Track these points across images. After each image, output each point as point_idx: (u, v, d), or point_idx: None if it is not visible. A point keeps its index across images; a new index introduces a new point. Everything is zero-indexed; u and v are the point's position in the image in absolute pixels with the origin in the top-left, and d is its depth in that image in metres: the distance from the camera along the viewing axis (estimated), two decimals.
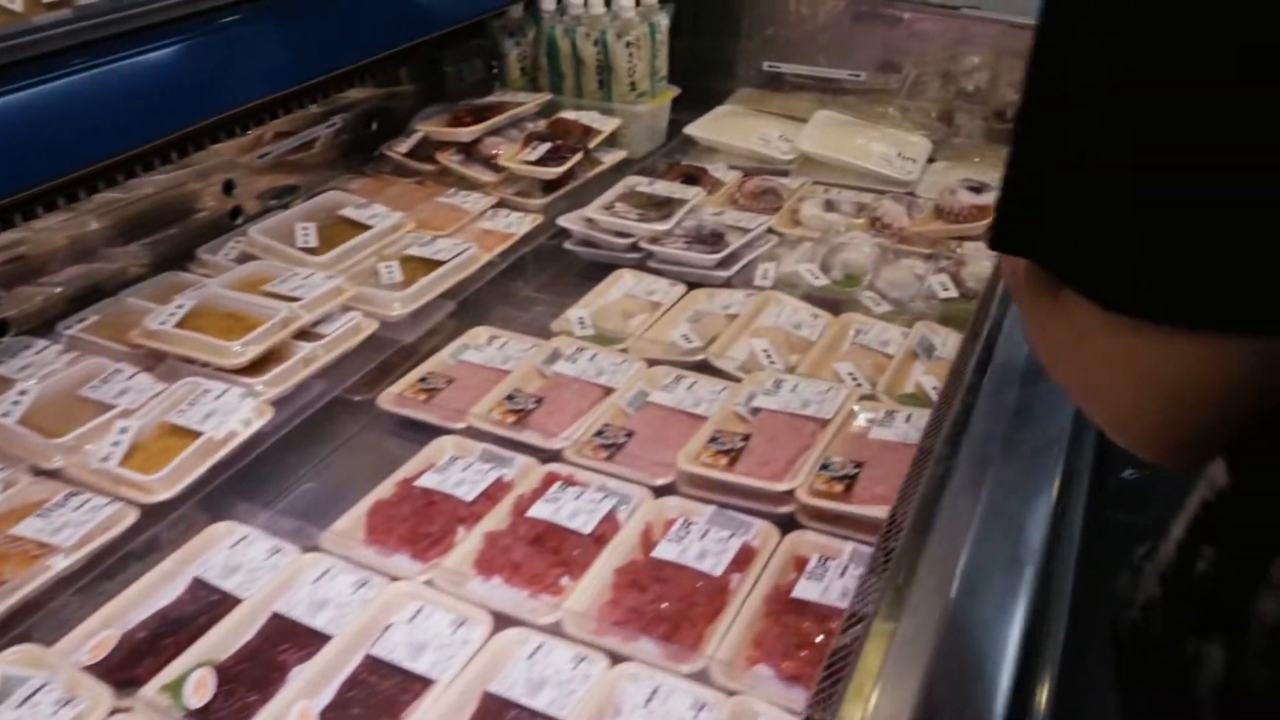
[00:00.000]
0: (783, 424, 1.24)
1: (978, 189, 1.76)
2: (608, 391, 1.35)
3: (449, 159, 1.76)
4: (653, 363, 1.40)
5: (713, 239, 1.65)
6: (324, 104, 1.89)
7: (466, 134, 1.75)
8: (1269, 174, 0.45)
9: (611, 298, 1.58)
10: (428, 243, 1.53)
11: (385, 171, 1.82)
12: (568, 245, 1.70)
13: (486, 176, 1.75)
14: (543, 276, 1.68)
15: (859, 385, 1.34)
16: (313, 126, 1.88)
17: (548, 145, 1.74)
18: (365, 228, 1.52)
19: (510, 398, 1.32)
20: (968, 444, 1.08)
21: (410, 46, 1.85)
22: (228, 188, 1.63)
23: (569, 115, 1.85)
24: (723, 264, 1.61)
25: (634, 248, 1.65)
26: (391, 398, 1.34)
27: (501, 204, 1.71)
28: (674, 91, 2.01)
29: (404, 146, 1.79)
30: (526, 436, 1.27)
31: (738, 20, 2.14)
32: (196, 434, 1.14)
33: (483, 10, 1.92)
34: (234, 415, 1.15)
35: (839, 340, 1.46)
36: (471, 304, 1.54)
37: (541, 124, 1.86)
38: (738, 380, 1.35)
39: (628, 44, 1.87)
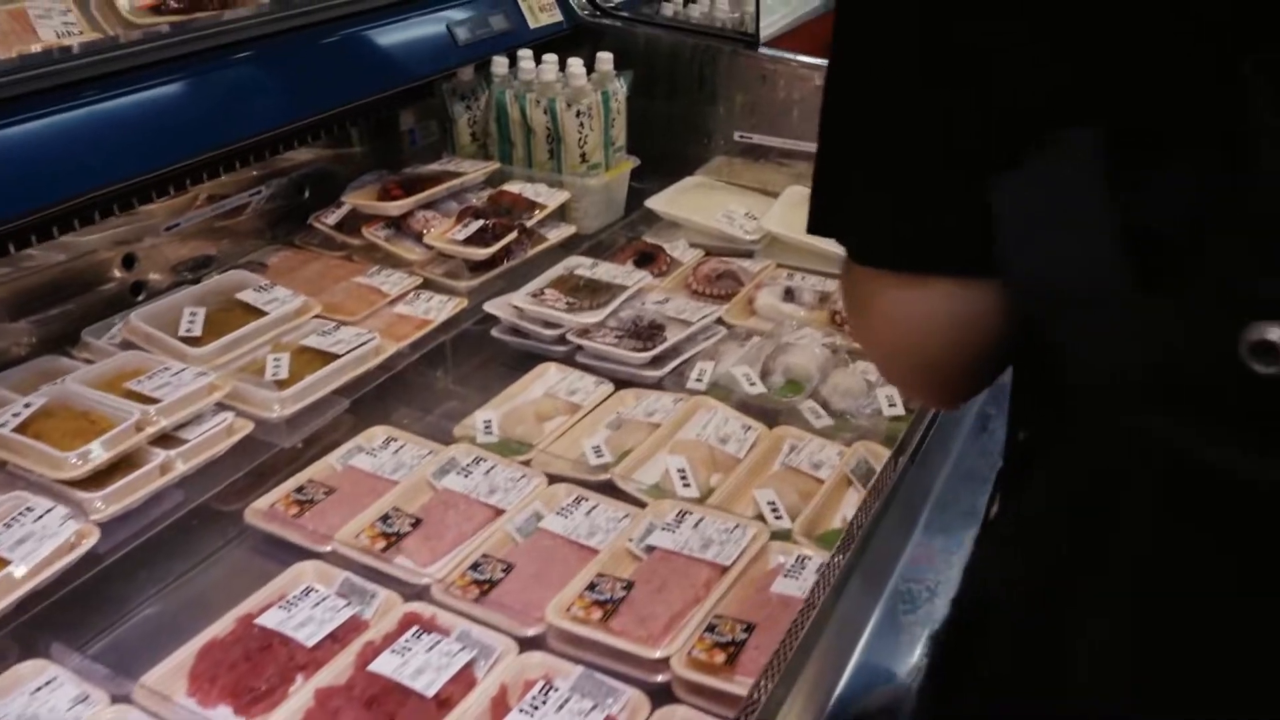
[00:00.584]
0: (677, 569, 1.09)
1: None
2: (497, 513, 1.21)
3: (374, 234, 1.64)
4: (554, 479, 1.26)
5: (649, 333, 1.51)
6: (263, 166, 1.79)
7: (394, 208, 1.63)
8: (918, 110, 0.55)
9: (530, 396, 1.45)
10: (329, 331, 1.41)
11: (314, 244, 1.70)
12: (495, 333, 1.57)
13: (414, 254, 1.62)
14: (464, 367, 1.55)
15: (778, 517, 1.19)
16: (247, 190, 1.78)
17: (481, 222, 1.61)
18: (260, 314, 1.40)
19: (385, 518, 1.18)
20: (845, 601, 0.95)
21: (358, 106, 1.74)
22: (128, 262, 1.52)
23: (512, 188, 1.73)
24: (654, 362, 1.47)
25: (563, 339, 1.52)
26: (260, 511, 1.21)
27: (427, 285, 1.59)
28: (632, 163, 1.88)
29: (332, 218, 1.68)
30: (394, 567, 1.13)
31: (712, 85, 2.01)
32: (4, 562, 1.01)
33: (432, 72, 1.81)
34: (49, 541, 1.03)
35: (768, 459, 1.31)
36: (375, 400, 1.41)
37: (483, 196, 1.73)
38: (642, 506, 1.21)
39: (578, 113, 1.74)
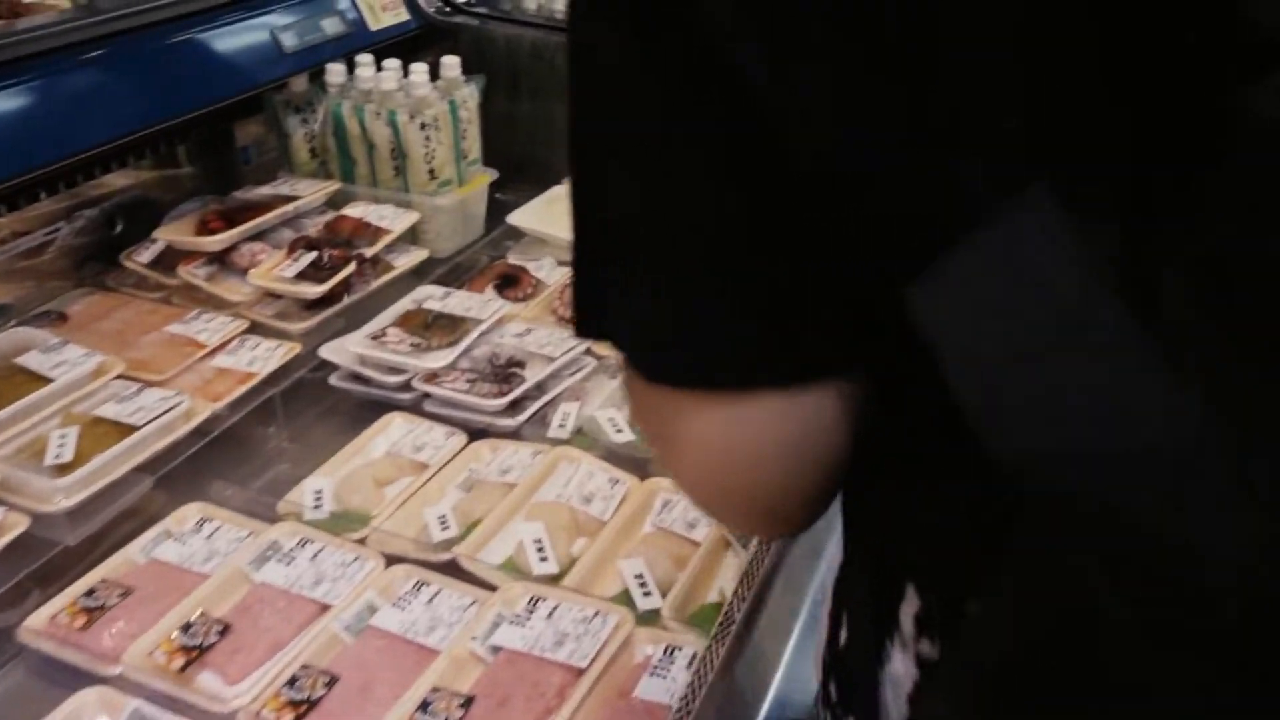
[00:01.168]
0: (525, 675, 0.94)
1: None
2: (323, 609, 1.04)
3: (192, 273, 1.45)
4: (392, 560, 1.09)
5: (505, 373, 1.35)
6: (70, 195, 1.58)
7: (213, 243, 1.44)
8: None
9: (370, 456, 1.28)
10: (130, 396, 1.22)
11: (128, 285, 1.50)
12: (334, 381, 1.39)
13: (240, 294, 1.44)
14: (297, 424, 1.37)
15: (646, 594, 1.05)
16: (50, 225, 1.57)
17: (314, 254, 1.43)
18: (44, 380, 1.20)
19: (188, 627, 1.01)
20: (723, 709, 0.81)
21: (177, 124, 1.54)
22: None
23: (354, 211, 1.55)
24: (512, 408, 1.31)
25: (408, 386, 1.35)
26: (37, 627, 1.02)
27: (255, 329, 1.40)
28: (489, 176, 1.71)
29: (146, 255, 1.48)
30: (194, 691, 0.96)
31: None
32: None
33: (258, 83, 1.61)
34: None
35: (637, 518, 1.17)
36: (188, 473, 1.23)
37: (320, 223, 1.55)
38: (492, 589, 1.05)
39: (423, 125, 1.57)
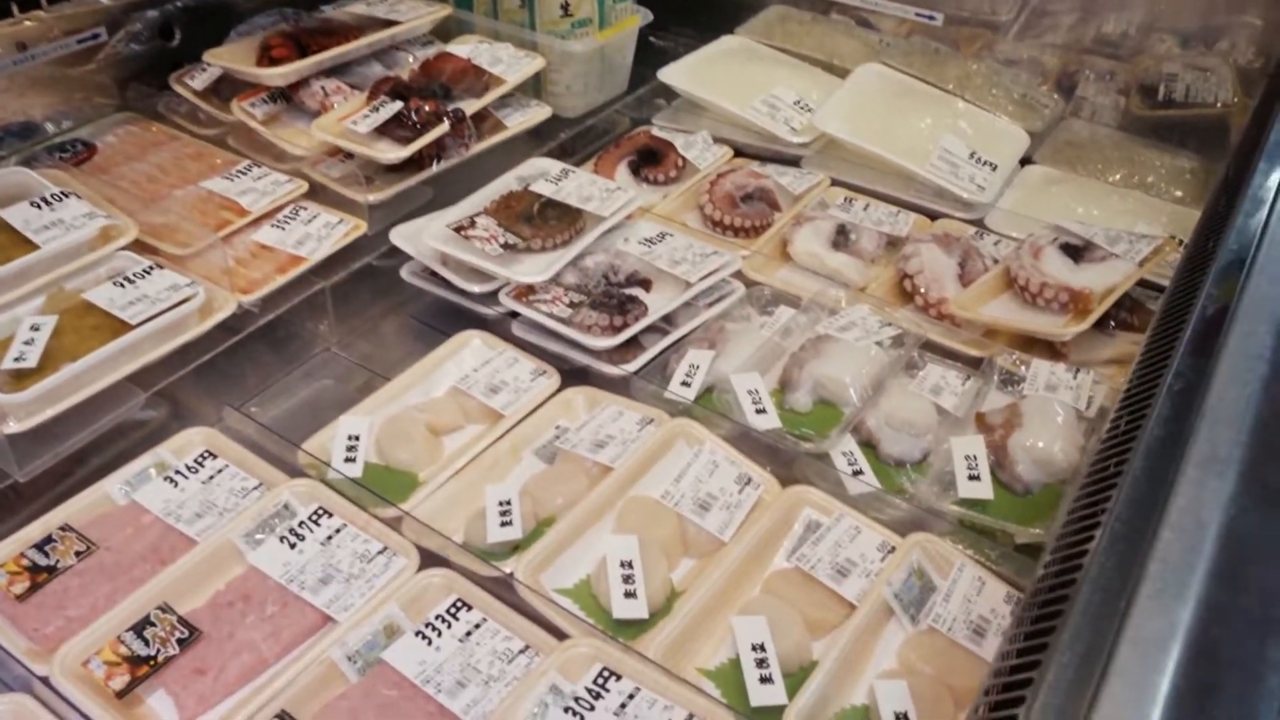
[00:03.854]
0: None
1: (1078, 250, 1.07)
2: (326, 621, 0.77)
3: (247, 110, 1.14)
4: (429, 560, 0.80)
5: (622, 298, 1.02)
6: None
7: (274, 76, 1.12)
8: None
9: (431, 390, 0.98)
10: (134, 277, 0.94)
11: (180, 113, 1.21)
12: (405, 275, 1.09)
13: (302, 145, 1.12)
14: (352, 327, 1.07)
15: (766, 678, 0.73)
16: (106, 24, 1.28)
17: (398, 104, 1.10)
18: (30, 247, 0.93)
19: (143, 627, 0.75)
20: None
21: None
22: None
23: (459, 50, 1.20)
24: (621, 350, 0.99)
25: (495, 296, 1.03)
26: None
27: (315, 193, 1.10)
28: (639, 17, 1.33)
29: (199, 81, 1.18)
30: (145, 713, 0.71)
31: None
32: None
33: None
34: None
35: (770, 545, 0.84)
36: (200, 386, 0.96)
37: (419, 59, 1.21)
38: (554, 634, 0.75)
39: None
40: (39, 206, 0.96)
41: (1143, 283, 1.08)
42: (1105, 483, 0.66)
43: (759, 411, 0.92)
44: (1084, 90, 1.42)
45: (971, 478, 0.85)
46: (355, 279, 1.08)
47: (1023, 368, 0.98)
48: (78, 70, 1.25)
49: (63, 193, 0.98)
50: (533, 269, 1.02)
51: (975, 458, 0.86)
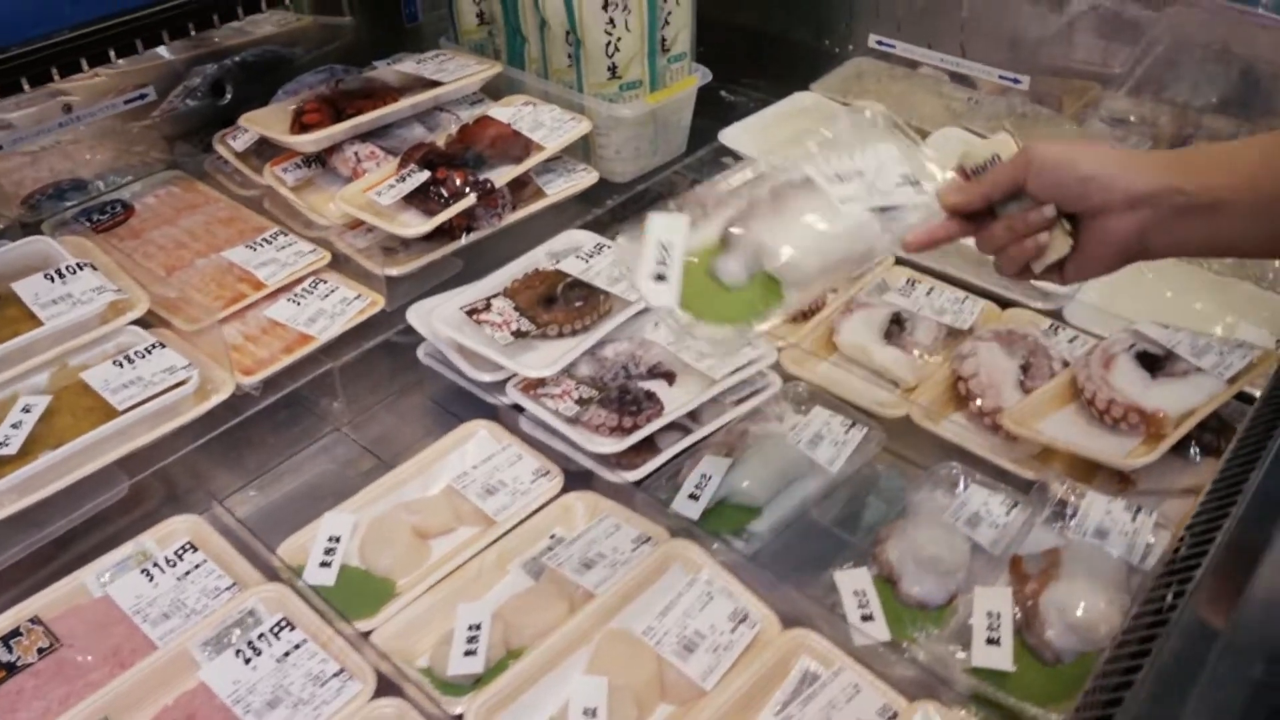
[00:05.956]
0: None
1: (1156, 360, 0.95)
2: None
3: (279, 176, 1.12)
4: (386, 688, 0.75)
5: (636, 395, 0.95)
6: (194, 44, 1.29)
7: (307, 143, 1.09)
8: None
9: (432, 485, 0.93)
10: (138, 356, 0.92)
11: (224, 172, 1.20)
12: (421, 356, 1.04)
13: (330, 213, 1.09)
14: (362, 407, 1.03)
15: None
16: (173, 83, 1.28)
17: (426, 174, 1.06)
18: (35, 323, 0.92)
19: None
20: None
21: None
22: None
23: (500, 115, 1.15)
24: (629, 454, 0.91)
25: (504, 385, 0.98)
26: None
27: (339, 263, 1.07)
28: (694, 79, 1.25)
29: (241, 141, 1.16)
30: None
31: None
32: None
33: None
34: None
35: (758, 697, 0.76)
36: (193, 470, 0.93)
37: (460, 121, 1.17)
38: None
39: (606, 3, 1.13)
40: (52, 279, 0.96)
41: (1242, 394, 0.95)
42: (1128, 669, 0.56)
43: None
44: None
45: (990, 641, 0.74)
46: (374, 354, 1.04)
47: (1076, 497, 0.86)
48: (133, 126, 1.25)
49: (79, 264, 0.97)
50: (543, 360, 0.96)
51: (998, 617, 0.76)
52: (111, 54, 1.07)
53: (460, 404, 1.01)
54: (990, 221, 0.76)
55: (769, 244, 0.74)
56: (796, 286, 0.74)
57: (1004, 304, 1.12)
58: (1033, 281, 1.09)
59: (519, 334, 0.97)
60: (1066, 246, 0.74)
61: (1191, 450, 0.92)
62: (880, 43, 1.32)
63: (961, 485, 0.90)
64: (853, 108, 0.86)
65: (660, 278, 0.70)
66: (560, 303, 1.02)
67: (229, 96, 1.25)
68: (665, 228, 0.73)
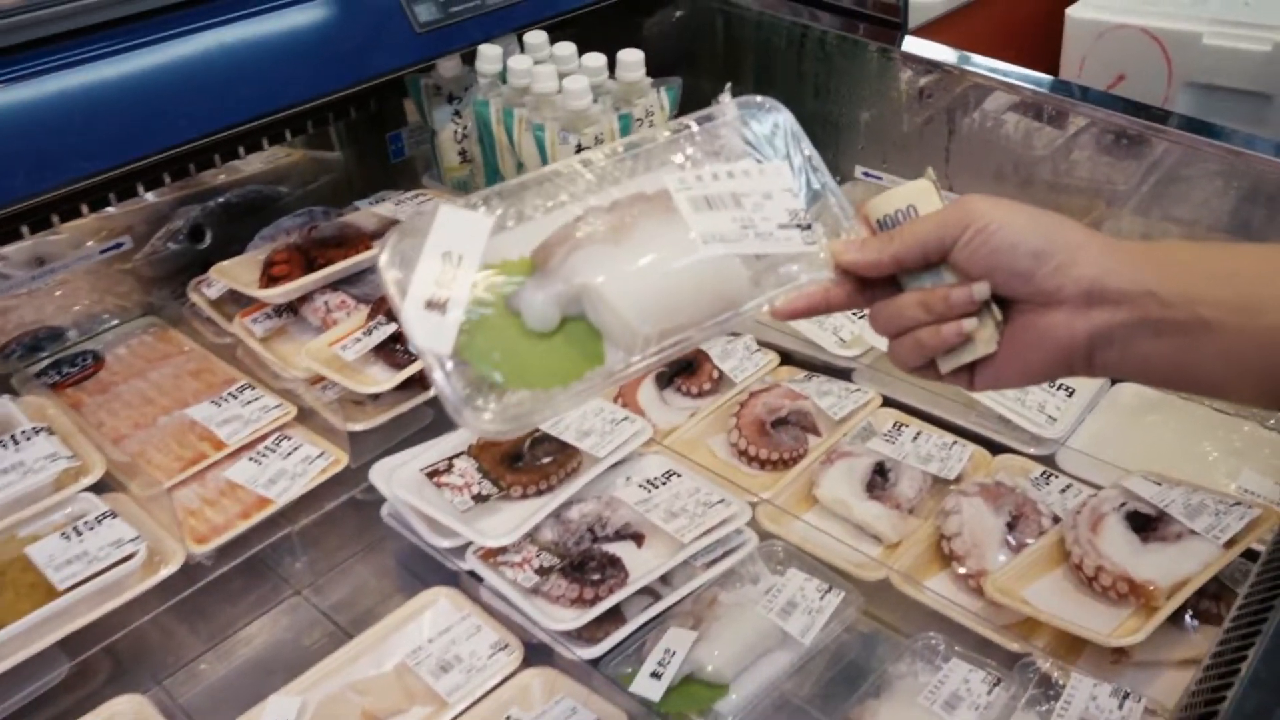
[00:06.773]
0: None
1: (1148, 522, 0.90)
2: None
3: (247, 327, 1.10)
4: None
5: (599, 560, 0.91)
6: (180, 187, 1.30)
7: (276, 295, 1.08)
8: None
9: (387, 659, 0.89)
10: (87, 526, 0.90)
11: (200, 319, 1.19)
12: (384, 516, 1.01)
13: (297, 364, 1.08)
14: (321, 570, 1.00)
15: None
16: (155, 224, 1.29)
17: (393, 327, 1.04)
18: None
19: None
20: None
21: (310, 108, 1.20)
22: None
23: None
24: (588, 630, 0.87)
25: (464, 551, 0.94)
26: None
27: (305, 417, 1.05)
28: None
29: (214, 289, 1.16)
30: None
31: (827, 91, 1.31)
32: None
33: (393, 66, 1.22)
34: None
35: None
36: (139, 649, 0.90)
37: None
38: None
39: (579, 147, 1.12)
40: (6, 446, 0.94)
41: (1249, 551, 0.89)
42: None
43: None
44: None
45: None
46: (337, 512, 1.01)
47: (1061, 676, 0.81)
48: (113, 269, 1.25)
49: (35, 429, 0.96)
50: (504, 525, 0.93)
51: None
52: (84, 209, 1.09)
53: (424, 565, 0.97)
54: (893, 293, 0.61)
55: (591, 278, 0.55)
56: (620, 346, 0.55)
57: (996, 449, 1.07)
58: (1017, 422, 1.06)
59: (479, 498, 0.94)
60: (994, 343, 0.59)
61: (1187, 619, 0.87)
62: (866, 174, 1.30)
63: (941, 658, 0.85)
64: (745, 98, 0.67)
65: (434, 305, 0.50)
66: (527, 459, 0.99)
67: (208, 240, 1.25)
68: (457, 229, 0.52)
